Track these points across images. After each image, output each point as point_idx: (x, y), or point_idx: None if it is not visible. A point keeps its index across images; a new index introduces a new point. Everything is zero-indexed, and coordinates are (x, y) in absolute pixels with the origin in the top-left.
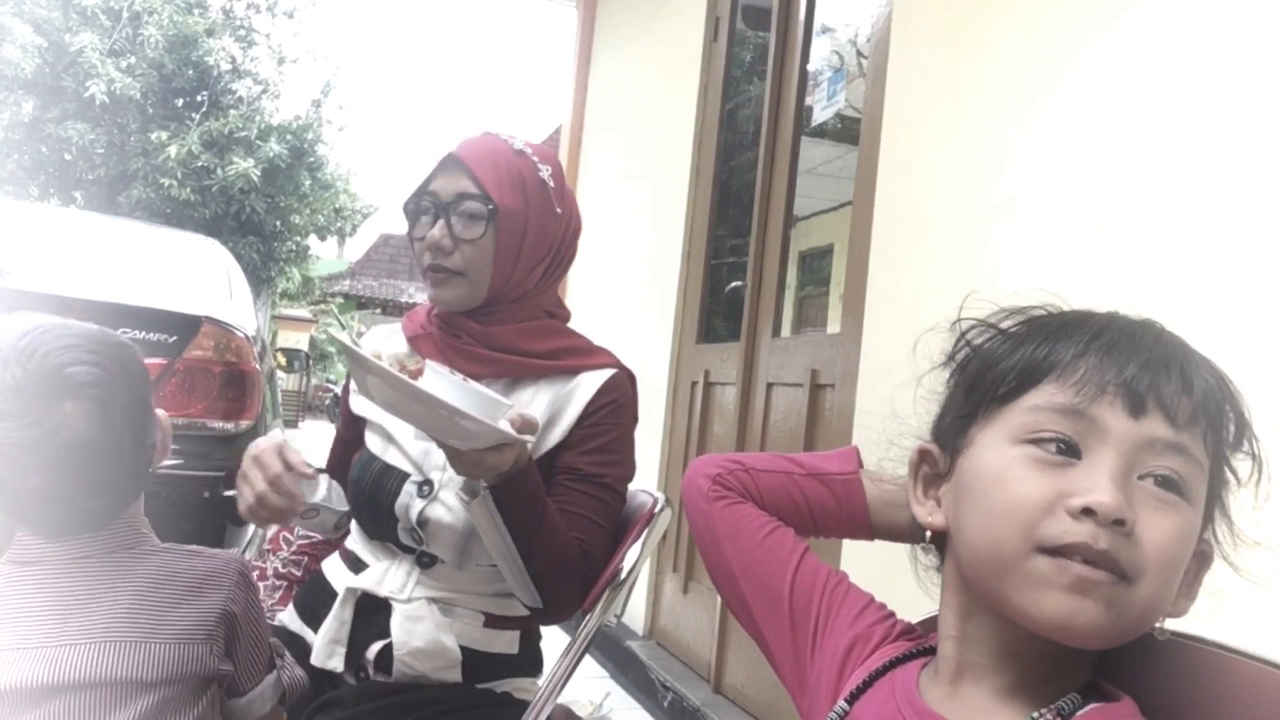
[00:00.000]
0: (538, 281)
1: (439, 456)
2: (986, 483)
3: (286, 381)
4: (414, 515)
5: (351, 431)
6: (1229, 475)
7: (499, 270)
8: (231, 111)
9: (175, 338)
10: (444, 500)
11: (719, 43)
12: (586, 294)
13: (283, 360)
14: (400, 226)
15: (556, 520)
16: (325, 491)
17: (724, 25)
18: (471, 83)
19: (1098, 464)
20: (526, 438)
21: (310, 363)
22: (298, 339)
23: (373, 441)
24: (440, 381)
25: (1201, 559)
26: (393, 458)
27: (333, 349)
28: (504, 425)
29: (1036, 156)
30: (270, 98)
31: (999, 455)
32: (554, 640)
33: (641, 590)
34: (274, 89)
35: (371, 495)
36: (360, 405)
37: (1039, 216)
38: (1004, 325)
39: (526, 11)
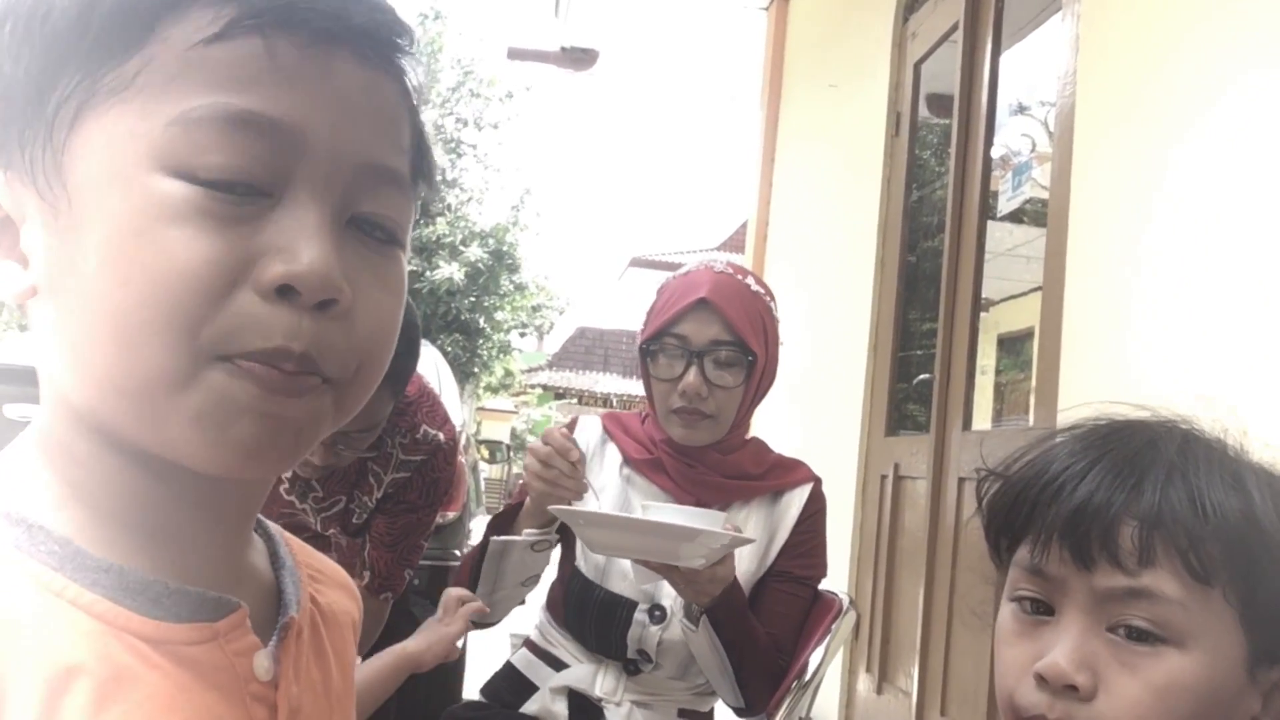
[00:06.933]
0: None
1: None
2: (995, 643)
3: (489, 471)
4: (651, 643)
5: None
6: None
7: (742, 411)
8: (439, 219)
9: None
10: (677, 623)
11: (900, 137)
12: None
13: (486, 453)
14: (594, 319)
15: (757, 627)
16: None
17: (905, 120)
18: (657, 180)
19: (1061, 621)
20: (750, 537)
21: (511, 453)
22: (499, 429)
23: (587, 566)
24: (664, 511)
25: None
26: (615, 585)
27: (533, 438)
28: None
29: (1238, 251)
30: (476, 204)
31: (1001, 611)
32: None
33: (835, 690)
34: (479, 196)
35: (600, 625)
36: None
37: (1242, 317)
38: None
39: (710, 110)
